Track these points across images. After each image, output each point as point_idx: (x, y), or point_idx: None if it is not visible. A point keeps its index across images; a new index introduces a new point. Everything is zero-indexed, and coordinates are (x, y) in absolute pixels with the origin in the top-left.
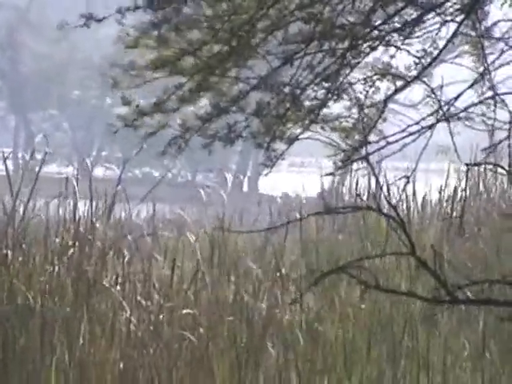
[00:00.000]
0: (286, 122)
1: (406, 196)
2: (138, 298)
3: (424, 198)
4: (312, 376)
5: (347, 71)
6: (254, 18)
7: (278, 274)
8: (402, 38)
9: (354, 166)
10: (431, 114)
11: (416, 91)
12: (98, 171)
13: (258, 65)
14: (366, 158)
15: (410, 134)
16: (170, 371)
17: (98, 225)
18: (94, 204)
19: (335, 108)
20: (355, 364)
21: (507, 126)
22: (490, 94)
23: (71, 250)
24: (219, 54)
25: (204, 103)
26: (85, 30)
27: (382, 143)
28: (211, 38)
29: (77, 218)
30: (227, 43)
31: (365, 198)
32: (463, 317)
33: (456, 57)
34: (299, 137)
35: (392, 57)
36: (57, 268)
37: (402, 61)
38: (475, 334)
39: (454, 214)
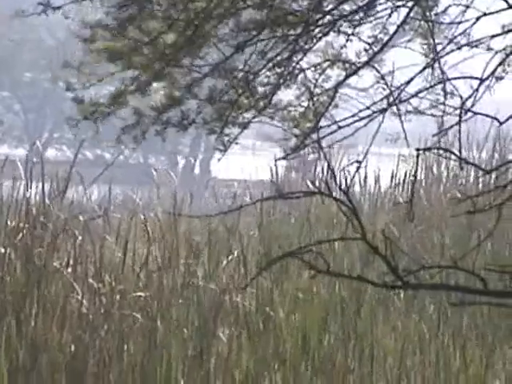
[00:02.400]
0: (238, 107)
1: (358, 181)
2: (90, 280)
3: (375, 183)
4: (264, 361)
5: (299, 57)
6: (209, 6)
7: (229, 258)
8: (353, 24)
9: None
10: (382, 100)
11: (367, 77)
12: (50, 153)
13: (211, 52)
14: (318, 143)
15: (361, 118)
16: (120, 353)
17: (50, 207)
18: (46, 186)
19: (285, 97)
20: (308, 348)
21: (458, 112)
22: (439, 79)
23: (22, 232)
24: (174, 44)
25: (155, 90)
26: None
27: (334, 128)
28: (167, 28)
29: (28, 199)
30: (182, 33)
31: (316, 183)
32: (415, 302)
33: (408, 41)
34: (252, 122)
35: (344, 46)
36: (8, 250)
37: (353, 47)
38: (427, 319)
39: (405, 198)
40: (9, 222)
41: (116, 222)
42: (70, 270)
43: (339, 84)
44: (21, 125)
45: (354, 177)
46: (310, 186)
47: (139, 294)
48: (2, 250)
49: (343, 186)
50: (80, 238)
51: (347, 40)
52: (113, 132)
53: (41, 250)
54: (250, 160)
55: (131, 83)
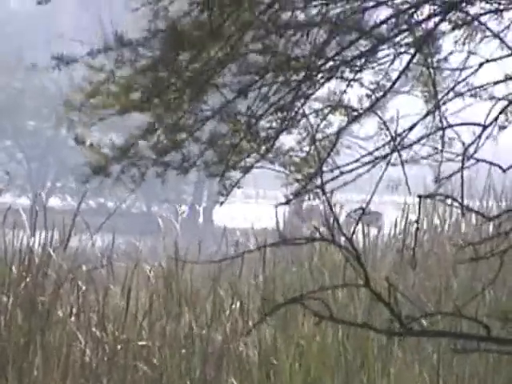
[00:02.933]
0: (239, 151)
1: (361, 228)
2: (93, 329)
3: (378, 230)
4: None
5: (302, 102)
6: (215, 56)
7: (233, 307)
8: (355, 69)
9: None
10: (384, 145)
11: (370, 125)
12: (53, 202)
13: (213, 95)
14: (321, 188)
15: (364, 164)
16: None
17: (53, 256)
18: (49, 235)
19: (287, 142)
20: None
21: (460, 159)
22: (440, 126)
23: (25, 281)
24: (181, 92)
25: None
26: (40, 59)
27: (336, 173)
28: (176, 80)
29: (32, 248)
30: (191, 83)
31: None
32: (417, 350)
33: (410, 90)
34: (254, 167)
35: (345, 91)
36: (11, 299)
37: (355, 93)
38: (429, 367)
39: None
40: (13, 270)
41: (119, 271)
42: (73, 319)
43: (341, 130)
44: (24, 174)
45: (357, 223)
46: (313, 232)
47: (142, 343)
48: (5, 299)
49: (347, 234)
50: (83, 287)
51: (348, 85)
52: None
53: (43, 298)
54: (253, 208)
55: (141, 136)
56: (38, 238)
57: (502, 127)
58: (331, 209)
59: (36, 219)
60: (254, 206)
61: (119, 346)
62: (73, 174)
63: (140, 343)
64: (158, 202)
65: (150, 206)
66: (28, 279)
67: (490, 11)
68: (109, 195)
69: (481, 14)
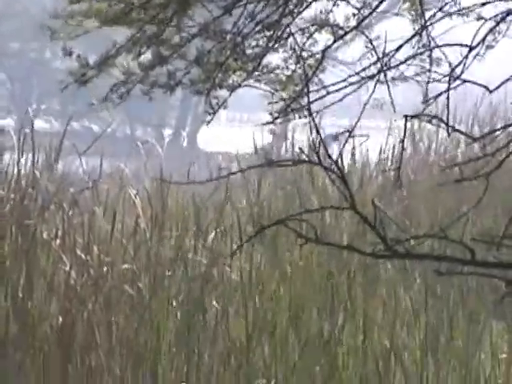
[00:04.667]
0: (226, 69)
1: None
2: (78, 252)
3: (365, 154)
4: (254, 332)
5: (289, 20)
6: None
7: (218, 230)
8: None
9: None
10: (371, 65)
11: (357, 50)
12: (38, 124)
13: (199, 12)
14: (307, 108)
15: (350, 84)
16: (109, 325)
17: (39, 178)
18: (36, 157)
19: (273, 60)
20: (297, 320)
21: (446, 80)
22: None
23: (11, 203)
24: (165, 4)
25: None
26: None
27: (322, 93)
28: None
29: (17, 170)
30: None
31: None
32: (402, 274)
33: (397, 14)
34: (241, 85)
35: (331, 10)
36: None
37: (343, 13)
38: (415, 292)
39: (393, 167)
40: None
41: (104, 194)
42: (58, 241)
43: (327, 48)
44: (7, 95)
45: (343, 146)
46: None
47: (127, 266)
48: None
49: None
50: (69, 210)
51: (334, 4)
52: (100, 105)
53: (29, 221)
54: (236, 132)
55: (123, 45)
56: (25, 160)
57: (489, 46)
58: (317, 130)
59: (24, 141)
60: (238, 130)
61: (104, 269)
62: (58, 87)
63: (125, 266)
64: (143, 125)
65: (135, 129)
66: (14, 201)
67: None
68: (95, 119)
69: None
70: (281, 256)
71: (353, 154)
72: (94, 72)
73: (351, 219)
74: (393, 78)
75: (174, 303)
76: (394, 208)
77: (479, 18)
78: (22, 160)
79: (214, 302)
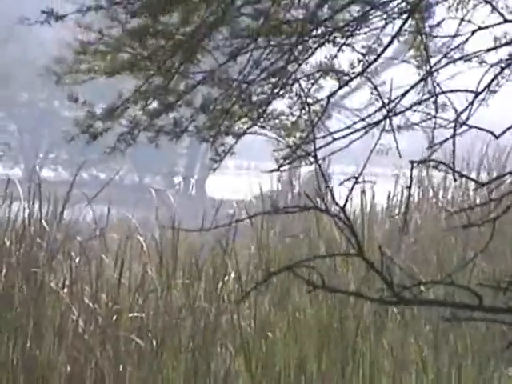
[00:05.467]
0: (232, 116)
1: (360, 199)
2: (86, 300)
3: (372, 200)
4: (264, 381)
5: (294, 67)
6: (204, 17)
7: (227, 278)
8: (347, 35)
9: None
10: (376, 111)
11: (363, 97)
12: (45, 173)
13: (205, 60)
14: (313, 154)
15: (357, 130)
16: (117, 374)
17: (47, 227)
18: (43, 206)
19: (278, 106)
20: (305, 370)
21: (452, 126)
22: (433, 92)
23: (18, 253)
24: (171, 55)
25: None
26: (31, 32)
27: (328, 139)
28: (166, 42)
29: (26, 220)
30: (182, 46)
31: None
32: (410, 320)
33: (403, 58)
34: (246, 132)
35: (336, 56)
36: (4, 270)
37: (347, 59)
38: (423, 338)
39: (400, 213)
40: (6, 241)
41: (112, 242)
42: (66, 290)
43: (332, 94)
44: (17, 145)
45: (351, 192)
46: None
47: (135, 314)
48: None
49: (340, 202)
50: (77, 258)
51: (339, 50)
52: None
53: (37, 270)
54: (245, 179)
55: (130, 97)
56: (32, 209)
57: (493, 91)
58: (324, 177)
59: (31, 190)
60: (246, 177)
61: (112, 318)
62: (64, 138)
63: (133, 315)
64: (151, 173)
65: (143, 177)
66: (22, 250)
67: None
68: (103, 167)
69: None
70: (289, 302)
71: (360, 201)
72: (100, 123)
73: (359, 265)
74: (399, 126)
75: (183, 351)
76: (402, 254)
77: (482, 62)
78: (30, 209)
79: (224, 352)
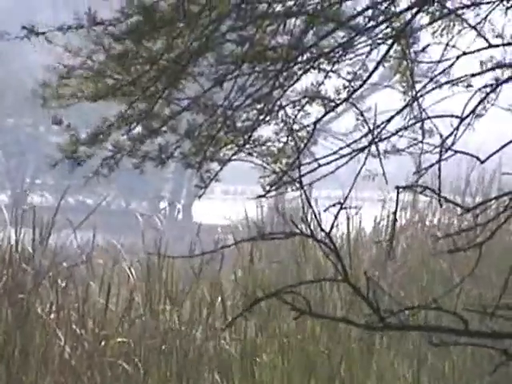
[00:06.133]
0: (217, 142)
1: (346, 224)
2: (73, 326)
3: (358, 225)
4: None
5: (279, 93)
6: (188, 43)
7: (212, 302)
8: (332, 61)
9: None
10: (362, 137)
11: (349, 122)
12: (31, 199)
13: (190, 86)
14: (299, 181)
15: (342, 156)
16: None
17: (32, 253)
18: (29, 232)
19: (264, 132)
20: None
21: (438, 151)
22: (419, 117)
23: (4, 278)
24: (155, 80)
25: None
26: (17, 57)
27: (314, 165)
28: (150, 67)
29: (12, 246)
30: (166, 71)
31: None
32: (398, 345)
33: (388, 86)
34: (232, 159)
35: (322, 82)
36: None
37: (333, 85)
38: (408, 363)
39: (386, 238)
40: None
41: (99, 268)
42: (52, 316)
43: (318, 120)
44: (2, 170)
45: (336, 218)
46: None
47: (122, 339)
48: None
49: (326, 229)
50: (63, 284)
51: (325, 77)
52: (94, 179)
53: (22, 296)
54: (231, 204)
55: (114, 122)
56: (18, 235)
57: (479, 115)
58: (309, 203)
59: (17, 216)
60: (232, 202)
61: (99, 343)
62: (48, 162)
63: (120, 340)
64: (137, 198)
65: (129, 202)
66: (7, 276)
67: (467, 5)
68: (88, 192)
69: (458, 8)
70: (276, 328)
71: (347, 226)
72: (84, 148)
73: (345, 290)
74: (385, 151)
75: (169, 375)
76: (389, 278)
77: (468, 86)
78: (16, 235)
79: (213, 376)
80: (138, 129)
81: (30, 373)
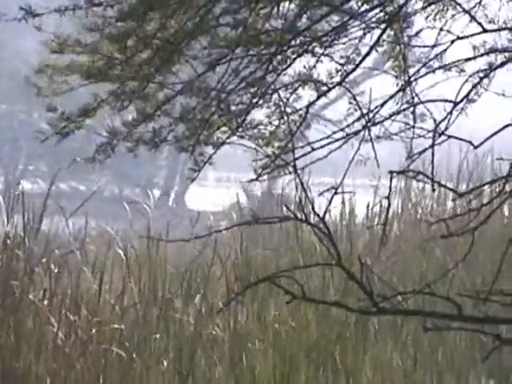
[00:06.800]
0: (210, 126)
1: (339, 210)
2: (66, 312)
3: (351, 210)
4: None
5: (273, 76)
6: (184, 25)
7: (206, 288)
8: (325, 45)
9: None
10: (355, 121)
11: (342, 106)
12: (25, 185)
13: (183, 69)
14: (293, 164)
15: (336, 140)
16: None
17: (26, 239)
18: (21, 218)
19: (257, 115)
20: (286, 382)
21: (431, 136)
22: (411, 102)
23: None
24: (148, 60)
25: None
26: (10, 42)
27: (308, 149)
28: (144, 47)
29: (5, 231)
30: (158, 52)
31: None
32: (391, 330)
33: (382, 72)
34: (226, 142)
35: (314, 66)
36: None
37: (326, 69)
38: (403, 348)
39: (380, 223)
40: None
41: (92, 254)
42: (45, 302)
43: (311, 103)
44: None
45: (330, 203)
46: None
47: (116, 326)
48: None
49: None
50: (56, 271)
51: (317, 61)
52: (86, 165)
53: (16, 282)
54: (224, 191)
55: (104, 99)
56: (11, 221)
57: (472, 100)
58: (303, 187)
59: (10, 203)
60: (226, 189)
61: (92, 330)
62: (36, 137)
63: (113, 326)
64: (130, 185)
65: (122, 189)
66: (0, 263)
67: None
68: (81, 179)
69: None
70: (269, 313)
71: (340, 211)
72: (74, 125)
73: (339, 276)
74: (377, 137)
75: (164, 363)
76: (382, 264)
77: (461, 70)
78: (7, 221)
79: (204, 364)
80: (133, 114)
81: (24, 359)
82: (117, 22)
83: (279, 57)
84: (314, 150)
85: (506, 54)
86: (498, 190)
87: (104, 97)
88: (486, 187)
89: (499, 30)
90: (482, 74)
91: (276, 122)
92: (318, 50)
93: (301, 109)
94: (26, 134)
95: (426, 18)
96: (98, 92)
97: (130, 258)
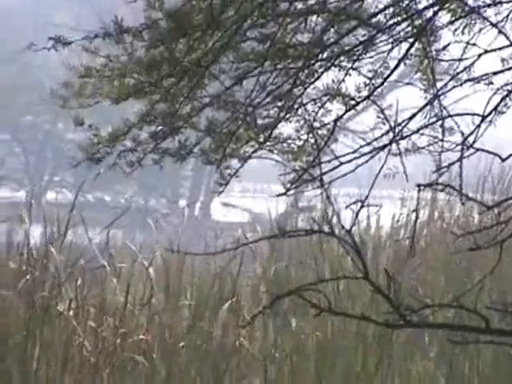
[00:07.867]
0: (237, 139)
1: (366, 222)
2: (92, 323)
3: (378, 223)
4: None
5: (300, 90)
6: (211, 45)
7: (233, 300)
8: (353, 58)
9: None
10: (383, 135)
11: (368, 118)
12: (51, 196)
13: (211, 83)
14: (320, 179)
15: (363, 154)
16: None
17: (52, 250)
18: (47, 229)
19: (284, 130)
20: None
21: (459, 149)
22: (439, 116)
23: (25, 276)
24: (177, 83)
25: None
26: (34, 54)
27: (335, 163)
28: (173, 69)
29: (30, 242)
30: (187, 73)
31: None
32: (417, 343)
33: (408, 84)
34: (252, 156)
35: (343, 80)
36: (11, 294)
37: (354, 83)
38: (427, 359)
39: (406, 236)
40: (11, 265)
41: (118, 265)
42: (71, 313)
43: (339, 118)
44: (22, 168)
45: (357, 216)
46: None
47: (141, 336)
48: (5, 293)
49: (346, 225)
50: (82, 282)
51: (346, 74)
52: (113, 175)
53: (43, 293)
54: (250, 202)
55: (135, 124)
56: (36, 231)
57: (501, 112)
58: (330, 200)
59: (31, 213)
60: (251, 200)
61: (118, 340)
62: (69, 163)
63: (138, 337)
64: (156, 196)
65: (148, 200)
66: (27, 274)
67: (488, 4)
68: (107, 190)
69: (479, 6)
70: (295, 326)
71: (367, 224)
72: (105, 149)
73: (366, 288)
74: (406, 150)
75: (193, 372)
76: (408, 277)
77: (490, 83)
78: (34, 232)
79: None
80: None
81: (51, 370)
82: (148, 50)
83: (306, 71)
84: (341, 164)
85: None
86: None
87: (133, 118)
88: None
89: None
90: (510, 87)
91: (304, 137)
92: (346, 63)
93: (329, 123)
94: (51, 145)
95: (454, 31)
96: (127, 106)
97: (156, 270)
